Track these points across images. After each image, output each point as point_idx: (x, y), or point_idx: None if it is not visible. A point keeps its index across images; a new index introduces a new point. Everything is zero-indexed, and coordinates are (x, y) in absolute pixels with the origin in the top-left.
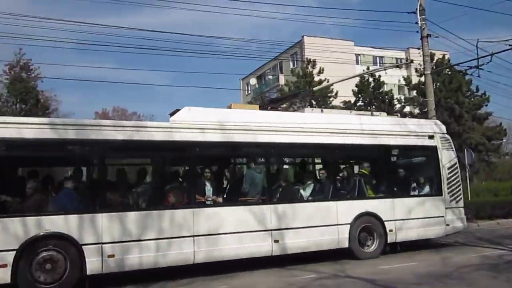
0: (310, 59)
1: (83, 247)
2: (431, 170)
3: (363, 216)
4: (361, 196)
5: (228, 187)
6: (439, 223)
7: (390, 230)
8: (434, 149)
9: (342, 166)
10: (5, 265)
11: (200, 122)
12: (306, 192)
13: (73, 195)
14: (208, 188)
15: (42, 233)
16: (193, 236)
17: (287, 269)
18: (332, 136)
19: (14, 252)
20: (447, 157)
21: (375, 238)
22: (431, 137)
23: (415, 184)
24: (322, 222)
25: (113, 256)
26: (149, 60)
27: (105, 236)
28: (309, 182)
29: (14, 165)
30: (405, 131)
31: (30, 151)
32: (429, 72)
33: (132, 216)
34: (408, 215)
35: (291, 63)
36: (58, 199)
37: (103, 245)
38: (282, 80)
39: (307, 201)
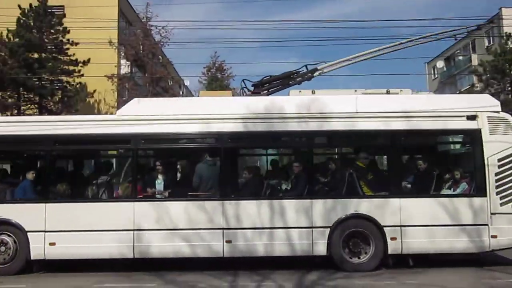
0: (510, 33)
1: (28, 233)
2: (470, 161)
3: (352, 218)
4: (350, 194)
5: (177, 181)
6: (479, 234)
7: (393, 238)
8: (475, 133)
9: (327, 158)
10: None
11: (149, 114)
12: (274, 187)
13: (29, 186)
14: (159, 182)
15: None
16: (133, 230)
17: (486, 270)
18: (309, 122)
19: None
20: (498, 143)
21: (371, 246)
22: (471, 117)
23: (440, 181)
24: (291, 223)
25: (54, 244)
26: (329, 51)
27: (48, 225)
28: (284, 176)
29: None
30: (429, 111)
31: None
32: None
33: (74, 207)
34: (424, 221)
35: (485, 41)
36: (15, 189)
37: (46, 233)
38: (475, 60)
39: (268, 198)
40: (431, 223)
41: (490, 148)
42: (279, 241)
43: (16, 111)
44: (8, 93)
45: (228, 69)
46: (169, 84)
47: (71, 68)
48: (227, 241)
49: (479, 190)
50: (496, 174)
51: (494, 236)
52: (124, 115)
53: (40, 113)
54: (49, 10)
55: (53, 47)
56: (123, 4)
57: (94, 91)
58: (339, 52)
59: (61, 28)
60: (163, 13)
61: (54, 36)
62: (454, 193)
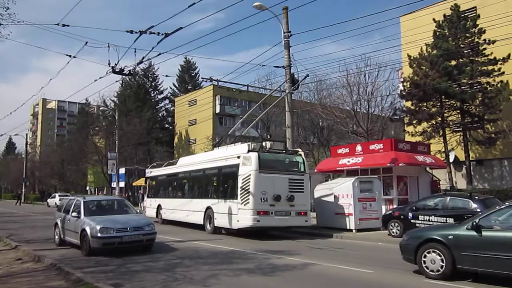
0: None
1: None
2: (236, 181)
3: (209, 208)
4: (211, 197)
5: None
6: (235, 219)
7: (215, 218)
8: (237, 165)
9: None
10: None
11: (184, 163)
12: (192, 193)
13: (167, 191)
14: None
15: None
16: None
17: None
18: (197, 164)
19: None
20: (244, 170)
21: (212, 222)
22: (238, 157)
23: (228, 190)
24: (197, 208)
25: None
26: None
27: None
28: (195, 189)
29: None
30: (226, 155)
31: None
32: None
33: (172, 200)
34: (224, 211)
35: None
36: (158, 193)
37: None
38: None
39: (192, 197)
40: (226, 212)
41: (241, 173)
42: (192, 217)
43: (439, 119)
44: (432, 103)
45: None
46: None
47: (490, 68)
48: (187, 215)
49: (236, 196)
50: (241, 188)
51: (238, 221)
52: (178, 163)
53: (462, 119)
54: (462, 15)
55: (469, 50)
56: None
57: None
58: None
59: (475, 30)
60: None
61: (470, 39)
62: (230, 197)
